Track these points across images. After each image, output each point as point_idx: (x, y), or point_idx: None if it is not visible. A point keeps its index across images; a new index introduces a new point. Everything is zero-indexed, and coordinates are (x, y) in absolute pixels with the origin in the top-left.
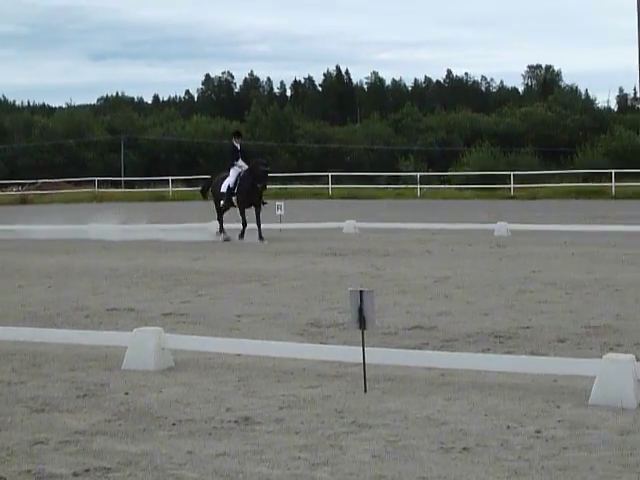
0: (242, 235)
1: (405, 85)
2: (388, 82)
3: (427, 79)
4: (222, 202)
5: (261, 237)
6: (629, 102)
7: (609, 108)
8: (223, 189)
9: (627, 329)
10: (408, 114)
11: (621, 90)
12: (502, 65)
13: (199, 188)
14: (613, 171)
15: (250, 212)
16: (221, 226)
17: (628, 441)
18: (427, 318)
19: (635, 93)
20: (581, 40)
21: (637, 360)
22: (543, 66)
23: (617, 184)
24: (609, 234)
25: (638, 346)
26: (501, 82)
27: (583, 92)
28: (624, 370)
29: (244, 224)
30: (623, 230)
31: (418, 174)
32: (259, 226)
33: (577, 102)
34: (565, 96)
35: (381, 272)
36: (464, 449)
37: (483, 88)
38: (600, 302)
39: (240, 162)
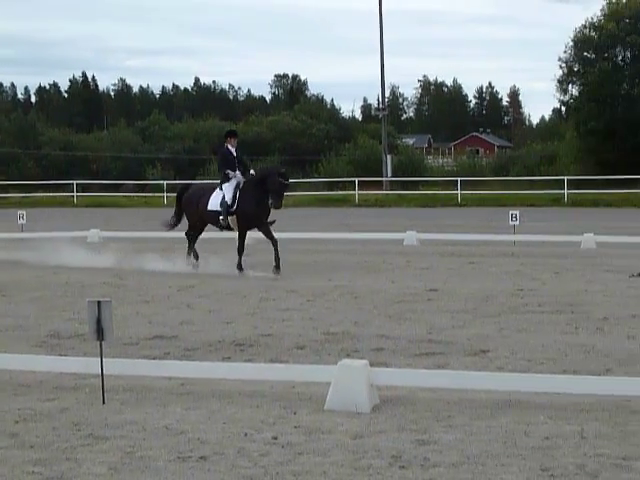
0: (241, 266)
1: (153, 93)
2: (136, 89)
3: (175, 87)
4: (216, 222)
5: (278, 267)
6: (373, 112)
7: (354, 117)
8: (213, 206)
9: (364, 335)
10: (155, 122)
11: (365, 100)
12: (250, 74)
13: None
14: (357, 179)
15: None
16: (190, 250)
17: (361, 445)
18: (169, 328)
19: (378, 103)
20: (327, 50)
21: (371, 365)
22: (290, 75)
23: (360, 192)
24: (349, 241)
25: (374, 352)
26: (249, 91)
27: (329, 101)
28: (358, 376)
29: (242, 250)
30: (363, 238)
31: (165, 182)
32: (277, 251)
33: (323, 111)
34: (311, 105)
35: (124, 282)
36: (201, 458)
37: (231, 96)
38: (339, 309)
39: (237, 173)
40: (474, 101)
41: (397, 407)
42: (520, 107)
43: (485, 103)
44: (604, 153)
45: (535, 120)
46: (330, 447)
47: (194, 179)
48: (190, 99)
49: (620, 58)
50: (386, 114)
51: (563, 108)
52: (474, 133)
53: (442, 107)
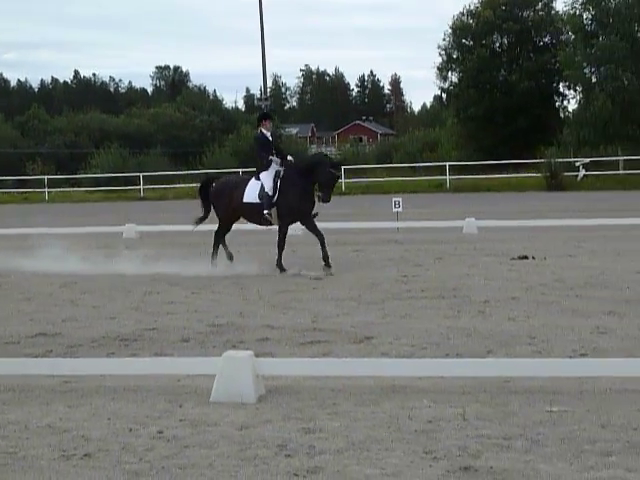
0: (281, 264)
1: (31, 86)
2: (13, 83)
3: (54, 80)
4: (254, 216)
5: (329, 264)
6: (255, 102)
7: (237, 108)
8: (250, 198)
9: (249, 326)
10: (35, 116)
11: (248, 90)
12: (131, 66)
13: None
14: (240, 170)
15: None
16: (216, 250)
17: (247, 435)
18: (52, 325)
19: (261, 93)
20: (209, 41)
21: (257, 356)
22: (171, 67)
23: None
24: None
25: (260, 342)
26: (130, 83)
27: (211, 93)
28: (243, 367)
29: (282, 246)
30: (246, 229)
31: (46, 177)
32: (324, 247)
33: (205, 103)
34: (193, 97)
35: (5, 279)
36: (85, 455)
37: (112, 89)
38: (225, 300)
39: (276, 158)
40: (356, 90)
41: (283, 396)
42: (402, 95)
43: (367, 91)
44: (484, 139)
45: (417, 107)
46: (216, 439)
47: (75, 174)
48: (70, 92)
49: (497, 45)
50: (269, 104)
51: (444, 95)
52: (357, 121)
53: (325, 96)
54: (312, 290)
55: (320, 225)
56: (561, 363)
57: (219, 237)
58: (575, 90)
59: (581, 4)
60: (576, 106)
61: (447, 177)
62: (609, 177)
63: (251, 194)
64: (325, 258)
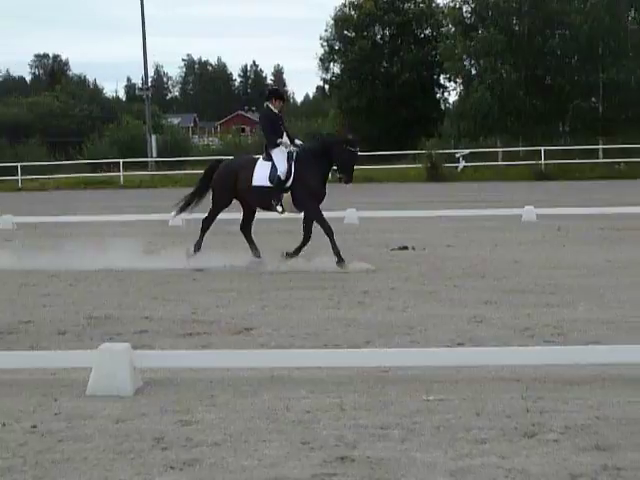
0: (339, 255)
1: None
2: None
3: None
4: (263, 202)
5: (340, 257)
6: (137, 92)
7: (117, 98)
8: (260, 181)
9: (127, 318)
10: None
11: (129, 80)
12: (8, 54)
13: None
14: (121, 160)
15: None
16: (201, 240)
17: (122, 428)
18: None
19: (142, 83)
20: (89, 29)
21: (134, 348)
22: (51, 55)
23: (125, 173)
24: (118, 224)
25: (138, 334)
26: (7, 71)
27: (92, 81)
28: (119, 359)
29: (331, 232)
30: (130, 220)
31: None
32: (333, 243)
33: (85, 92)
34: (73, 86)
35: None
36: None
37: None
38: (103, 292)
39: (285, 139)
40: (239, 80)
41: (160, 389)
42: (284, 85)
43: (250, 82)
44: (366, 130)
45: (300, 98)
46: (91, 433)
47: None
48: None
49: (379, 37)
50: (150, 94)
51: (326, 86)
52: (240, 112)
53: (207, 86)
54: (192, 282)
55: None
56: (438, 352)
57: (208, 223)
58: (455, 82)
59: None
60: (456, 98)
61: None
62: (488, 168)
63: (261, 176)
64: (339, 255)
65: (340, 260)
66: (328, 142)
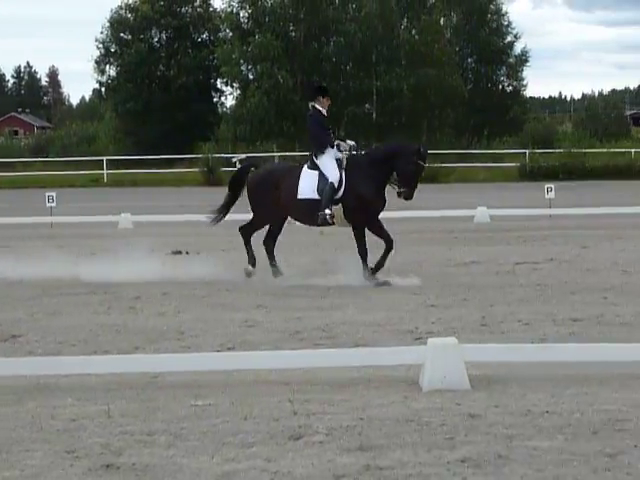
0: (377, 270)
1: None
2: None
3: None
4: (310, 217)
5: (376, 272)
6: None
7: None
8: (306, 194)
9: None
10: None
11: None
12: None
13: None
14: None
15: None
16: (251, 253)
17: None
18: None
19: None
20: None
21: None
22: None
23: None
24: None
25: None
26: None
27: None
28: None
29: (365, 252)
30: None
31: None
32: (386, 255)
33: None
34: None
35: None
36: None
37: None
38: None
39: (343, 143)
40: (12, 81)
41: None
42: (60, 87)
43: (23, 83)
44: (143, 133)
45: (75, 100)
46: None
47: None
48: None
49: (156, 40)
50: None
51: (102, 89)
52: (13, 113)
53: None
54: None
55: None
56: (207, 357)
57: (248, 235)
58: (232, 87)
59: (238, 2)
60: (233, 102)
61: (105, 171)
62: None
63: (307, 188)
64: (378, 266)
65: (373, 273)
66: (396, 149)
